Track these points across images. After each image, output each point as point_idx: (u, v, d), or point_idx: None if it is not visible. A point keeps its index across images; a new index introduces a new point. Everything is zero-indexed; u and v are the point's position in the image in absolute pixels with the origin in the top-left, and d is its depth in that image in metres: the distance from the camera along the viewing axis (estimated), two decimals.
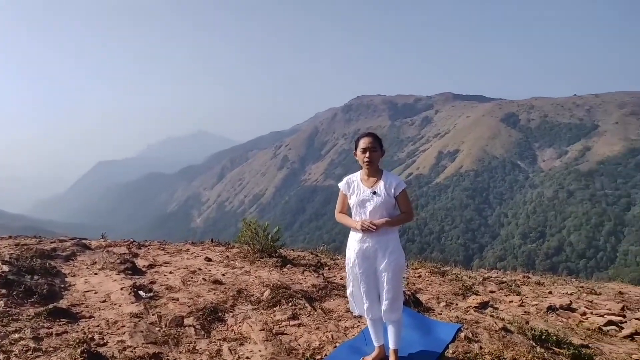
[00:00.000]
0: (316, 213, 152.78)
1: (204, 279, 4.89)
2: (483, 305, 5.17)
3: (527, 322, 4.72)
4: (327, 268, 6.49)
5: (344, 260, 8.13)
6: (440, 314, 4.45)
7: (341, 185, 3.44)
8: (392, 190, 3.22)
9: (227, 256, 6.30)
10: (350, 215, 3.36)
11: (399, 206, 3.27)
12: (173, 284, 4.73)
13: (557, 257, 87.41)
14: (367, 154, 3.23)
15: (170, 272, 5.25)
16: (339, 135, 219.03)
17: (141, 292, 4.22)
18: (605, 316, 5.25)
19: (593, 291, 7.59)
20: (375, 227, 3.12)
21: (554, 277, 9.94)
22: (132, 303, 3.92)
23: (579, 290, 7.55)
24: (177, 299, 4.17)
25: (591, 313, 5.40)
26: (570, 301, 5.78)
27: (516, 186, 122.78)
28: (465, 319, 4.24)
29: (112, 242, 7.08)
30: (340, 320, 4.04)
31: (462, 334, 3.75)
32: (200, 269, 5.48)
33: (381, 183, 3.26)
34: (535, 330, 3.88)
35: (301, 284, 4.92)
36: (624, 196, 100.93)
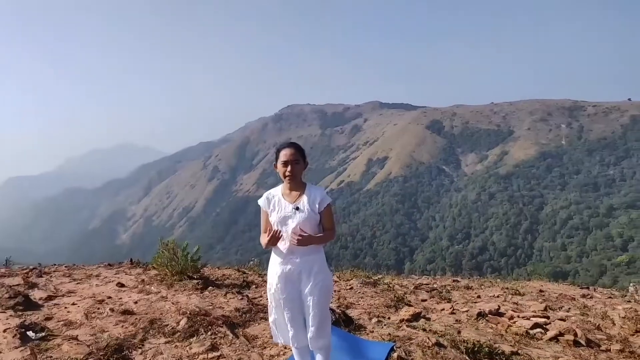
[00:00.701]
0: (249, 224, 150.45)
1: (112, 310, 4.32)
2: (415, 317, 5.06)
3: (459, 332, 4.66)
4: (254, 286, 6.10)
5: None
6: (372, 331, 4.23)
7: (261, 202, 3.12)
8: (317, 206, 2.94)
9: (143, 280, 5.70)
10: None
11: (322, 222, 2.99)
12: (74, 318, 4.12)
13: (482, 256, 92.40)
14: (289, 168, 2.92)
15: (73, 304, 4.61)
16: (270, 145, 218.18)
17: (30, 333, 3.59)
18: (531, 319, 5.33)
19: (517, 292, 7.80)
20: (300, 237, 2.81)
21: (481, 280, 10.21)
22: (17, 348, 3.31)
23: (505, 292, 7.74)
24: (76, 338, 3.60)
25: (518, 316, 5.48)
26: (499, 305, 5.84)
27: (442, 190, 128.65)
28: (398, 336, 4.05)
29: (6, 271, 6.21)
30: (265, 347, 3.69)
31: (394, 354, 3.55)
32: (109, 297, 4.88)
33: (304, 198, 2.96)
34: (467, 343, 3.77)
35: (223, 308, 4.49)
36: (537, 196, 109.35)
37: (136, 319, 4.08)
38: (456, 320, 5.24)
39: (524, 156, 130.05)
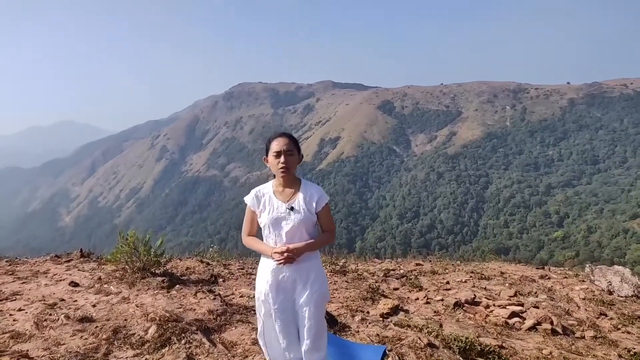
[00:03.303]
0: (200, 205, 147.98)
1: (67, 317, 3.83)
2: (394, 310, 4.91)
3: (441, 326, 4.54)
4: (221, 280, 5.73)
5: (237, 266, 7.42)
6: (358, 332, 4.00)
7: (248, 199, 2.72)
8: (314, 205, 2.61)
9: (100, 278, 5.17)
10: (260, 237, 2.69)
11: (319, 224, 2.67)
12: (22, 328, 3.61)
13: (430, 234, 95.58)
14: (283, 159, 2.56)
15: (20, 310, 4.06)
16: (220, 124, 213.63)
17: None
18: (507, 307, 5.33)
19: (483, 276, 7.86)
20: (294, 257, 2.50)
21: (444, 262, 10.27)
22: None
23: (471, 277, 7.78)
24: (26, 355, 3.12)
25: (494, 305, 5.46)
26: (474, 295, 5.79)
27: (393, 170, 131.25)
28: (387, 337, 3.84)
29: None
30: (246, 356, 3.36)
31: (388, 358, 3.34)
32: (62, 300, 4.36)
33: (300, 196, 2.63)
34: (459, 342, 3.63)
35: (195, 310, 4.10)
36: (483, 176, 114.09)
37: (97, 327, 3.62)
38: (435, 312, 5.14)
39: (471, 137, 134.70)
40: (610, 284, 6.98)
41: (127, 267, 5.09)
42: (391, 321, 4.40)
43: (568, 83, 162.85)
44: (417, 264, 9.65)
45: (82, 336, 3.47)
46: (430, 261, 10.46)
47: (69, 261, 6.60)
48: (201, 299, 4.39)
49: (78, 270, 5.75)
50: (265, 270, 2.66)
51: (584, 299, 6.57)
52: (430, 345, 3.61)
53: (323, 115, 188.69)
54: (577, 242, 77.84)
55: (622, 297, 6.71)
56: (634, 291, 6.74)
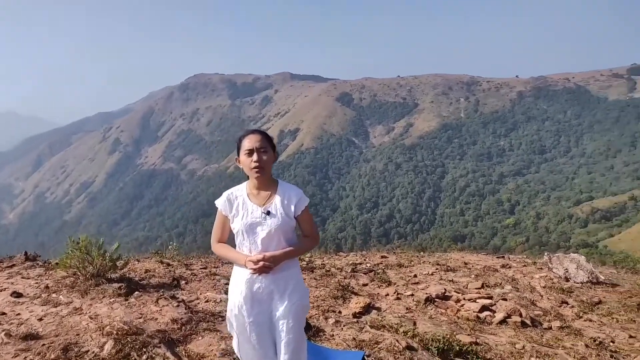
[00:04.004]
0: (156, 198, 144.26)
1: (9, 334, 3.42)
2: (366, 309, 4.78)
3: (414, 324, 4.45)
4: (184, 282, 5.40)
5: (200, 265, 7.08)
6: (333, 336, 3.82)
7: (219, 203, 2.46)
8: (292, 208, 2.39)
9: (47, 286, 4.73)
10: (233, 244, 2.44)
11: (300, 228, 2.45)
12: None
13: (389, 223, 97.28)
14: (256, 157, 2.32)
15: None
16: (176, 115, 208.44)
17: None
18: (477, 300, 5.33)
19: (449, 268, 7.89)
20: (271, 266, 2.28)
21: (408, 254, 10.28)
22: None
23: (437, 269, 7.78)
24: None
25: (464, 299, 5.45)
26: (445, 289, 5.76)
27: (352, 161, 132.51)
28: (364, 340, 3.68)
29: None
30: None
31: None
32: (3, 314, 3.92)
33: (276, 199, 2.39)
34: (437, 342, 3.53)
35: (156, 319, 3.78)
36: (439, 166, 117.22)
37: (44, 345, 3.25)
38: (407, 309, 5.05)
39: (427, 128, 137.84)
40: (567, 271, 7.17)
41: (78, 273, 4.67)
42: (366, 322, 4.26)
43: (517, 76, 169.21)
44: (382, 257, 9.61)
45: (26, 357, 3.10)
46: (395, 253, 10.46)
47: (11, 267, 6.04)
48: (163, 306, 4.06)
49: (22, 277, 5.25)
50: (239, 280, 2.42)
51: (544, 287, 6.71)
52: (408, 347, 3.48)
53: (282, 107, 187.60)
54: (527, 228, 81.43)
55: (578, 283, 6.90)
56: (588, 277, 6.95)
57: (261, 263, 2.26)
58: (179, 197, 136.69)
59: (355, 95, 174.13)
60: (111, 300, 4.20)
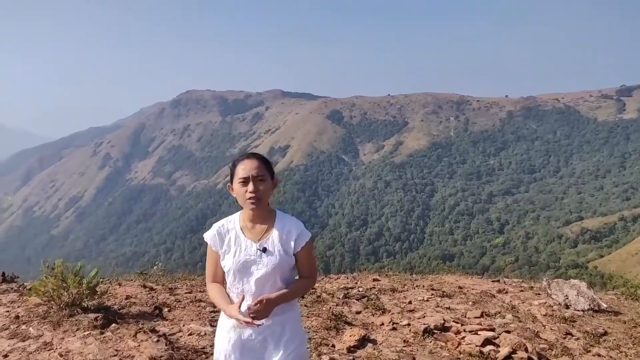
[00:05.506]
0: (145, 214, 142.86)
1: None
2: (361, 342, 4.47)
3: (414, 359, 4.15)
4: (167, 310, 5.04)
5: (185, 290, 6.71)
6: None
7: (208, 238, 2.12)
8: (292, 244, 2.06)
9: (18, 315, 4.34)
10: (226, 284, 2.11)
11: (298, 267, 2.13)
12: None
13: (378, 241, 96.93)
14: (251, 187, 1.99)
15: None
16: (167, 131, 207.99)
17: None
18: (479, 332, 5.04)
19: (445, 293, 7.59)
20: (266, 315, 1.96)
21: (401, 277, 9.98)
22: None
23: (433, 295, 7.49)
24: None
25: (465, 330, 5.15)
26: (444, 319, 5.45)
27: (342, 178, 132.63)
28: None
29: None
30: None
31: None
32: None
33: (274, 233, 2.07)
34: None
35: (133, 357, 3.42)
36: (429, 184, 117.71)
37: None
38: (404, 342, 4.73)
39: (417, 146, 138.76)
40: (567, 298, 6.91)
41: (53, 302, 4.30)
42: (361, 358, 3.93)
43: (506, 96, 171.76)
44: (374, 280, 9.29)
45: None
46: (387, 275, 10.14)
47: None
48: (142, 341, 3.70)
49: None
50: (227, 324, 2.10)
51: (545, 315, 6.44)
52: None
53: (272, 124, 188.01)
54: (516, 248, 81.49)
55: (579, 311, 6.64)
56: (589, 304, 6.70)
57: (249, 318, 1.90)
58: (168, 213, 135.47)
59: (346, 113, 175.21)
60: (85, 333, 3.83)
